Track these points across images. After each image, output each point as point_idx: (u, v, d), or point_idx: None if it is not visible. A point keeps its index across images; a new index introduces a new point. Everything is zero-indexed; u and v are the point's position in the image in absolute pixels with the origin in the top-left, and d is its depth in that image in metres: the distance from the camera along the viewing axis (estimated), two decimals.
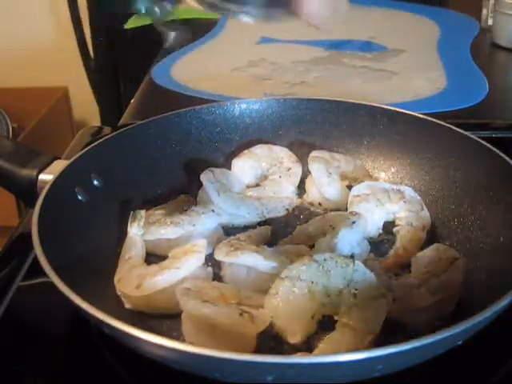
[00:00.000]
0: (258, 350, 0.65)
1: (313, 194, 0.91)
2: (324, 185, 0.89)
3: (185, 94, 1.31)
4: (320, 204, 0.90)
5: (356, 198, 0.84)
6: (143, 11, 0.72)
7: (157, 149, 0.94)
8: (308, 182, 0.93)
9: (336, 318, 0.66)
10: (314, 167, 0.90)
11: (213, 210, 0.84)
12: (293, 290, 0.67)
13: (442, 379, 0.66)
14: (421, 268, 0.73)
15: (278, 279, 0.68)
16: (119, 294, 0.73)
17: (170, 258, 0.74)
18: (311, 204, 0.91)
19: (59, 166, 0.81)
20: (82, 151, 0.85)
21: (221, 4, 0.69)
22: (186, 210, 0.84)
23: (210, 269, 0.76)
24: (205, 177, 0.88)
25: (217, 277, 0.76)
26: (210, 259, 0.79)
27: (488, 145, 0.83)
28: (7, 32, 2.53)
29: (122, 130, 0.92)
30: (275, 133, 1.00)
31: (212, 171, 0.89)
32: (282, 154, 0.95)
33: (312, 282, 0.67)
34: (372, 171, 0.96)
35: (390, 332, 0.66)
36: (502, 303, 0.59)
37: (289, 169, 0.93)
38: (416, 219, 0.83)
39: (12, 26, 2.53)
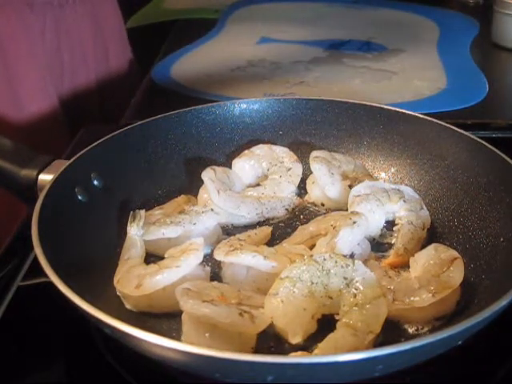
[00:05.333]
0: (258, 350, 0.65)
1: (315, 194, 0.91)
2: (327, 184, 0.89)
3: (185, 94, 1.32)
4: (322, 204, 0.90)
5: (357, 198, 0.84)
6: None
7: (157, 149, 0.94)
8: (309, 182, 0.93)
9: (336, 317, 0.66)
10: (316, 167, 0.90)
11: (212, 209, 0.84)
12: (293, 291, 0.66)
13: (442, 379, 0.66)
14: (420, 268, 0.74)
15: (278, 279, 0.68)
16: (119, 294, 0.73)
17: (168, 257, 0.74)
18: (313, 204, 0.91)
19: (59, 166, 0.82)
20: (82, 151, 0.85)
21: None
22: (186, 210, 0.84)
23: (208, 268, 0.77)
24: (206, 175, 0.88)
25: (216, 277, 0.76)
26: (209, 259, 0.79)
27: (488, 145, 0.83)
28: None
29: (122, 129, 0.92)
30: (275, 133, 1.00)
31: (213, 169, 0.89)
32: (282, 154, 0.95)
33: (312, 283, 0.67)
34: (372, 171, 0.96)
35: (389, 332, 0.66)
36: (502, 303, 0.59)
37: (289, 169, 0.93)
38: (416, 218, 0.83)
39: None
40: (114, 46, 1.43)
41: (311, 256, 0.70)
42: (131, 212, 0.80)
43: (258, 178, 0.95)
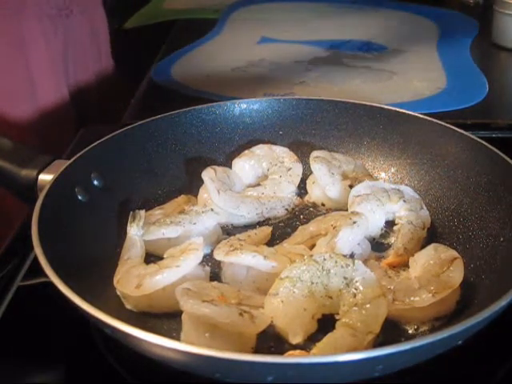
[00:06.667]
0: (258, 350, 0.65)
1: (315, 194, 0.91)
2: (328, 184, 0.89)
3: (185, 94, 1.32)
4: (323, 204, 0.91)
5: (357, 198, 0.84)
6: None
7: (157, 149, 0.94)
8: (309, 182, 0.93)
9: (336, 317, 0.66)
10: (317, 167, 0.90)
11: (212, 209, 0.84)
12: (293, 291, 0.66)
13: (442, 379, 0.66)
14: (420, 268, 0.73)
15: (278, 279, 0.68)
16: (119, 294, 0.73)
17: (167, 257, 0.74)
18: (314, 204, 0.91)
19: (59, 166, 0.82)
20: (82, 151, 0.85)
21: None
22: (186, 210, 0.84)
23: (207, 268, 0.77)
24: (206, 174, 0.88)
25: (216, 277, 0.76)
26: (209, 259, 0.79)
27: (488, 145, 0.83)
28: None
29: (122, 129, 0.92)
30: (275, 133, 1.00)
31: (214, 169, 0.89)
32: (282, 154, 0.95)
33: (312, 283, 0.67)
34: (372, 171, 0.96)
35: (389, 332, 0.66)
36: (502, 303, 0.59)
37: (289, 169, 0.93)
38: (416, 218, 0.83)
39: None
40: (104, 48, 1.55)
41: (311, 256, 0.70)
42: (131, 212, 0.80)
43: (258, 177, 0.95)
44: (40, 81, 1.29)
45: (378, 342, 0.64)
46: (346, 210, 0.85)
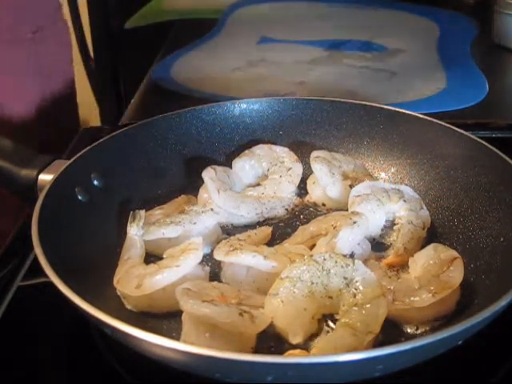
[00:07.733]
0: (258, 350, 0.65)
1: (316, 194, 0.91)
2: (328, 184, 0.89)
3: (185, 94, 1.32)
4: (323, 204, 0.91)
5: (357, 198, 0.84)
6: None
7: (157, 149, 0.94)
8: (310, 182, 0.93)
9: (337, 317, 0.66)
10: (317, 167, 0.90)
11: (212, 209, 0.84)
12: (293, 291, 0.66)
13: (442, 379, 0.66)
14: (420, 268, 0.74)
15: (278, 279, 0.68)
16: (119, 294, 0.73)
17: (167, 257, 0.74)
18: (314, 204, 0.91)
19: (59, 165, 0.82)
20: (82, 151, 0.85)
21: None
22: (186, 210, 0.84)
23: (207, 268, 0.77)
24: (206, 174, 0.88)
25: (216, 277, 0.76)
26: (209, 259, 0.79)
27: (488, 145, 0.83)
28: None
29: (122, 129, 0.92)
30: (275, 133, 1.00)
31: (214, 169, 0.89)
32: (282, 154, 0.95)
33: (312, 283, 0.67)
34: (372, 171, 0.96)
35: (389, 332, 0.66)
36: (502, 303, 0.59)
37: (289, 168, 0.93)
38: (416, 218, 0.83)
39: None
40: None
41: (311, 256, 0.70)
42: (131, 212, 0.80)
43: (258, 177, 0.95)
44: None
45: (378, 342, 0.64)
46: (347, 210, 0.85)
